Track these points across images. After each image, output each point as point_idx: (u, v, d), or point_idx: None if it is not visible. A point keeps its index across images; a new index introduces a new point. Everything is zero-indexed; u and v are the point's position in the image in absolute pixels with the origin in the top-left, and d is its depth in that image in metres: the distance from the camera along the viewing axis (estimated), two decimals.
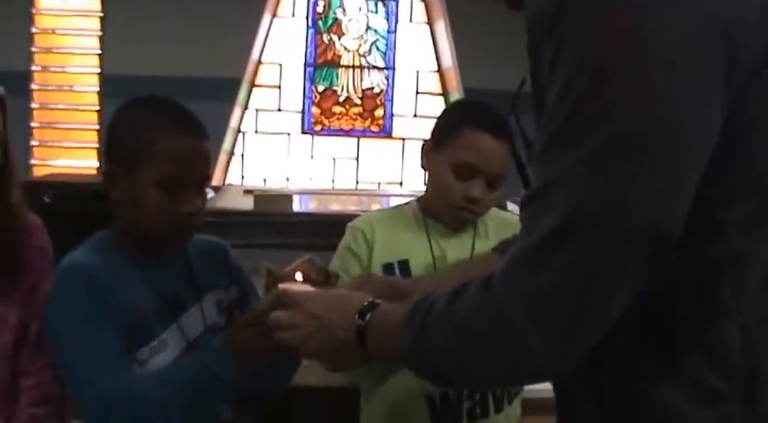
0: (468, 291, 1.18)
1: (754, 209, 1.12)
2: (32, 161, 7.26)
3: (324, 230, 5.32)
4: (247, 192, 5.77)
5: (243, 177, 7.57)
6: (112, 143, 1.80)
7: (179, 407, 1.66)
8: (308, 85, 7.84)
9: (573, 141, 1.06)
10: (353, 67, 7.92)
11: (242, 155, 7.70)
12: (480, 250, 2.16)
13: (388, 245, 2.16)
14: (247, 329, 1.68)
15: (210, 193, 5.36)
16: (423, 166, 2.19)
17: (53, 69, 7.35)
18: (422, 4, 7.92)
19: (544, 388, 1.29)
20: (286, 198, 5.60)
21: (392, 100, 8.00)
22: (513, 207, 5.34)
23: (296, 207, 5.68)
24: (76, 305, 1.71)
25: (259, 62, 7.69)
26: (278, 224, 5.27)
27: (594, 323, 1.10)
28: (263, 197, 5.54)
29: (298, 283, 1.68)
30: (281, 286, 1.64)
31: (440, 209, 2.17)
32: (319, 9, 7.80)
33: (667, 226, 1.06)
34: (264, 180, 7.67)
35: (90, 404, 1.68)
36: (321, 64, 7.87)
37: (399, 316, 1.29)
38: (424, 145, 2.20)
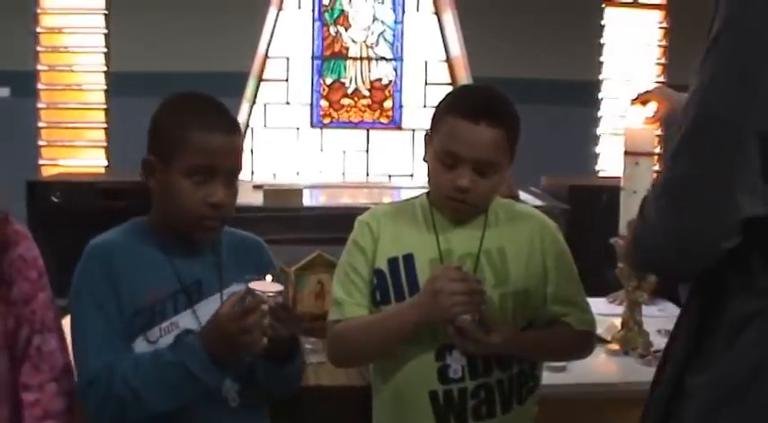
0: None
1: None
2: (41, 161, 7.23)
3: (334, 224, 5.30)
4: (257, 187, 5.76)
5: (252, 172, 7.53)
6: (152, 136, 1.97)
7: (155, 392, 1.80)
8: (315, 77, 7.79)
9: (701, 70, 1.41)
10: (361, 58, 7.86)
11: (251, 150, 7.65)
12: (490, 243, 2.14)
13: (394, 239, 2.16)
14: (220, 326, 1.78)
15: None
16: (424, 159, 2.18)
17: (59, 68, 7.30)
18: None
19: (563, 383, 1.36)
20: (296, 192, 5.60)
21: (401, 91, 7.94)
22: (526, 196, 5.35)
23: (306, 201, 5.69)
24: (87, 283, 1.90)
25: (266, 56, 7.64)
26: (288, 219, 5.27)
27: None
28: (272, 192, 5.54)
29: (267, 282, 1.80)
30: (250, 285, 1.78)
31: (437, 201, 2.16)
32: (325, 1, 7.74)
33: None
34: (274, 175, 7.63)
35: (79, 376, 1.89)
36: (328, 56, 7.81)
37: None
38: (425, 137, 2.20)
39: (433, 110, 2.18)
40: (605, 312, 2.94)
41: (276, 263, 2.16)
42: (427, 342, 2.06)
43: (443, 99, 2.21)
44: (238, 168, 1.97)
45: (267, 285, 1.79)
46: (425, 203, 2.19)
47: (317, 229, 5.23)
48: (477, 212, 2.15)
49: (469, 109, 2.08)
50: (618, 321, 2.86)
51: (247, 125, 7.64)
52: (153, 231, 1.98)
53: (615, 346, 2.74)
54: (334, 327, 2.16)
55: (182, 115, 1.94)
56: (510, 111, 2.14)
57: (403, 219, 2.20)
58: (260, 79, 7.66)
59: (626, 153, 2.72)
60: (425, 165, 2.15)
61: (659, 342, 2.76)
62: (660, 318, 3.04)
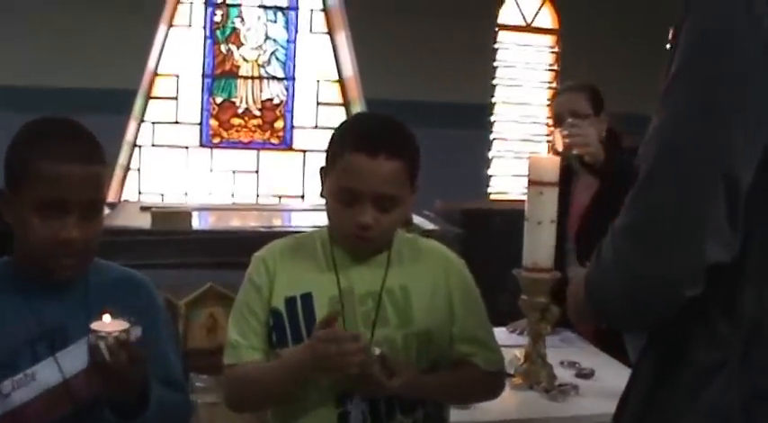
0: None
1: None
2: None
3: (224, 248, 5.18)
4: (144, 208, 5.57)
5: (140, 193, 7.33)
6: (5, 165, 1.79)
7: None
8: (205, 96, 7.63)
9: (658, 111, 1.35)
10: (252, 77, 7.74)
11: (138, 169, 7.45)
12: (393, 281, 2.04)
13: (291, 277, 2.05)
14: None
15: (106, 211, 5.18)
16: (321, 195, 2.07)
17: None
18: (322, 13, 7.79)
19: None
20: (185, 215, 5.43)
21: (292, 111, 7.85)
22: (419, 220, 5.30)
23: (195, 224, 5.52)
24: None
25: (155, 73, 7.45)
26: (177, 242, 5.10)
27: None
28: (160, 214, 5.35)
29: (111, 321, 1.66)
30: (92, 325, 1.64)
31: (338, 238, 2.05)
32: (217, 18, 7.60)
33: (738, 171, 1.27)
34: (162, 195, 7.45)
35: None
36: (219, 75, 7.67)
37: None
38: (320, 172, 2.08)
39: (327, 136, 2.07)
40: (507, 343, 2.86)
41: (160, 299, 2.00)
42: (326, 388, 1.96)
43: (337, 131, 2.08)
44: (98, 200, 1.82)
45: (110, 324, 1.65)
46: (325, 239, 2.08)
47: (207, 252, 5.09)
48: (379, 249, 2.05)
49: (366, 142, 1.97)
50: (519, 352, 2.80)
51: (135, 144, 7.43)
52: (16, 271, 1.82)
53: (519, 381, 2.67)
54: (231, 371, 2.04)
55: (30, 143, 1.78)
56: (409, 140, 2.05)
57: (301, 255, 2.09)
58: (148, 97, 7.47)
59: (530, 182, 2.66)
60: (317, 192, 2.05)
61: (563, 375, 2.72)
62: (562, 348, 3.00)
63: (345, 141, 2.00)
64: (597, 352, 3.04)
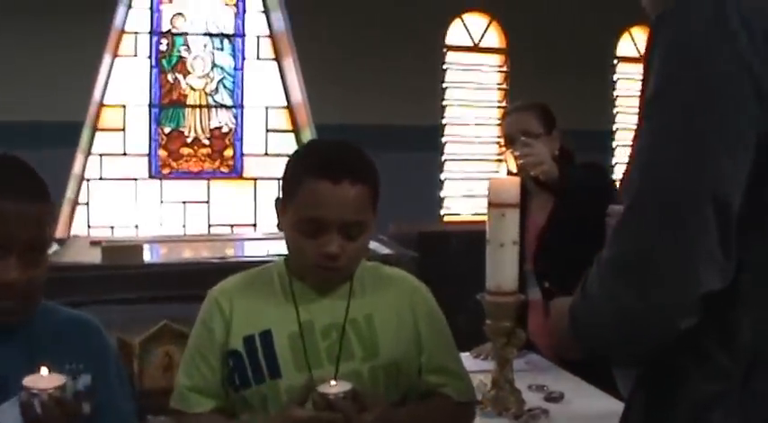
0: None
1: None
2: None
3: (177, 280, 5.09)
4: (94, 243, 5.48)
5: (89, 227, 7.20)
6: None
7: None
8: (153, 126, 7.53)
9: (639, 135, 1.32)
10: (200, 106, 7.65)
11: (87, 203, 7.33)
12: (357, 312, 1.97)
13: (248, 316, 1.96)
14: None
15: (55, 247, 5.07)
16: (279, 227, 1.99)
17: None
18: (269, 40, 7.74)
19: None
20: (136, 249, 5.34)
21: (241, 139, 7.78)
22: (374, 245, 5.25)
23: (147, 257, 5.44)
24: None
25: (101, 104, 7.34)
26: (129, 277, 5.01)
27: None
28: (111, 249, 5.26)
29: (45, 376, 1.55)
30: (24, 381, 1.53)
31: (300, 270, 1.97)
32: (162, 47, 7.51)
33: (727, 195, 1.23)
34: (112, 228, 7.34)
35: None
36: (166, 104, 7.57)
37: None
38: (276, 203, 2.00)
39: (284, 159, 1.99)
40: (472, 369, 2.79)
41: (111, 340, 1.90)
42: None
43: (292, 160, 2.00)
44: (41, 239, 1.69)
45: (44, 380, 1.55)
46: (283, 272, 2.01)
47: (160, 286, 5.01)
48: (343, 279, 1.98)
49: (328, 168, 1.89)
50: (485, 377, 2.74)
51: (83, 177, 7.31)
52: None
53: (487, 407, 2.61)
54: (181, 419, 1.97)
55: None
56: (370, 165, 1.98)
57: (258, 291, 2.00)
58: (95, 128, 7.35)
59: (491, 205, 2.61)
60: (272, 214, 1.97)
61: (531, 399, 2.67)
62: (528, 372, 2.95)
63: (304, 169, 1.92)
64: (564, 374, 2.99)
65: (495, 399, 2.62)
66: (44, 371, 1.55)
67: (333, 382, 1.76)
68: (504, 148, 3.51)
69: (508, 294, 2.58)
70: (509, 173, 2.96)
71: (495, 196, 2.61)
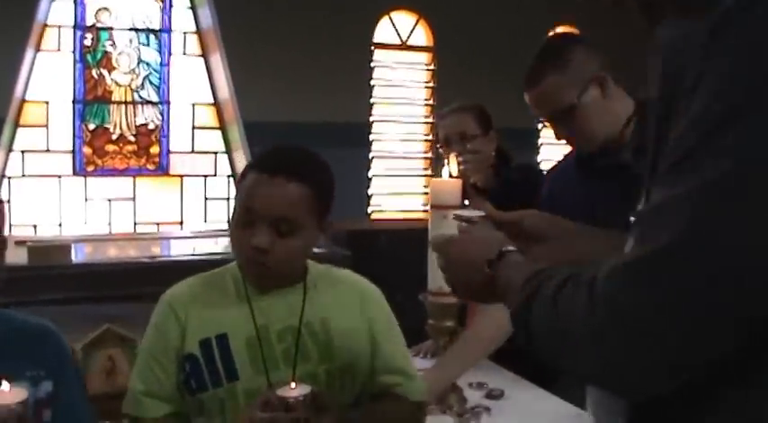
0: (572, 290, 1.17)
1: None
2: None
3: (106, 280, 5.03)
4: (19, 243, 5.37)
5: (11, 226, 7.04)
6: None
7: None
8: (77, 123, 7.38)
9: (696, 166, 1.06)
10: (126, 102, 7.53)
11: (8, 201, 7.16)
12: (312, 314, 1.98)
13: (203, 319, 1.96)
14: None
15: None
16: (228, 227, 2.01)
17: None
18: (195, 35, 7.65)
19: None
20: (63, 249, 5.27)
21: (168, 136, 7.66)
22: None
23: (74, 257, 5.37)
24: None
25: (23, 100, 7.17)
26: (57, 277, 4.94)
27: (697, 348, 1.08)
28: (37, 249, 5.18)
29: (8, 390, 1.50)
30: None
31: (241, 266, 1.98)
32: (87, 42, 7.36)
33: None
34: (35, 227, 7.19)
35: None
36: (91, 100, 7.42)
37: (522, 276, 1.31)
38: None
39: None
40: None
41: (69, 346, 1.89)
42: None
43: (250, 161, 2.06)
44: None
45: (7, 395, 1.50)
46: (237, 273, 2.01)
47: (88, 286, 4.95)
48: (282, 279, 1.99)
49: (267, 162, 1.96)
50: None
51: (4, 175, 7.15)
52: None
53: (431, 407, 2.63)
54: None
55: None
56: (317, 168, 2.00)
57: (212, 294, 2.00)
58: (17, 125, 7.18)
59: (433, 207, 2.62)
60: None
61: (473, 397, 2.71)
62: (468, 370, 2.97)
63: (251, 164, 1.98)
64: (502, 371, 3.03)
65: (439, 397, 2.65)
66: (5, 385, 1.51)
67: (292, 385, 1.77)
68: (442, 150, 3.53)
69: (450, 295, 2.60)
70: (450, 175, 2.99)
71: (437, 198, 2.61)
